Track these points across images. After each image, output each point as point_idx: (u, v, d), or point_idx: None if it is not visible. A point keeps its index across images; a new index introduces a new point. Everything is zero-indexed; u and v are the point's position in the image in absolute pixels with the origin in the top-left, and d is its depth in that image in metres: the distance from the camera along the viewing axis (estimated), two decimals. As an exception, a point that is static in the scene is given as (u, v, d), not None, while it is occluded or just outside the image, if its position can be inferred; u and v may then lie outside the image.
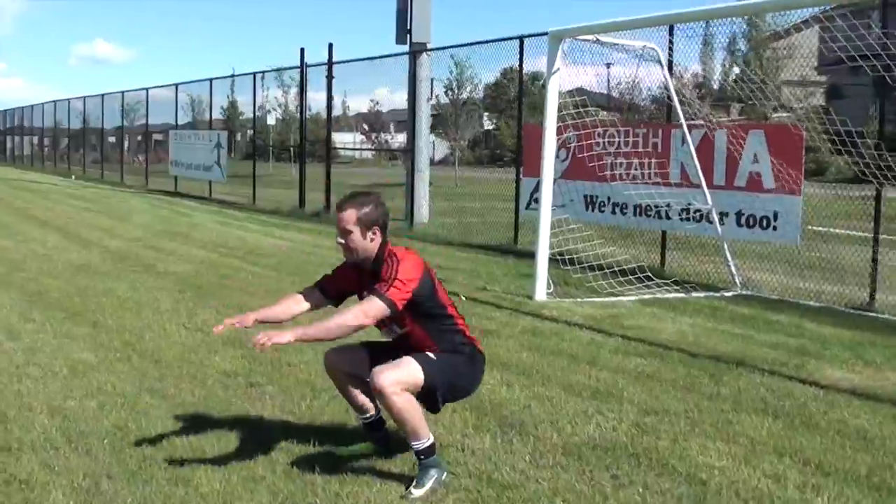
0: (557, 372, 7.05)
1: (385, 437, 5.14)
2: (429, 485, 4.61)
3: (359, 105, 56.79)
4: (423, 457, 4.66)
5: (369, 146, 56.36)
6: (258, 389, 6.41)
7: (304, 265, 12.64)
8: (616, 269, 11.45)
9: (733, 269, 11.33)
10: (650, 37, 11.68)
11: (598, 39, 10.74)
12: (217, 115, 33.96)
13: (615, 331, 8.70)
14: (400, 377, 4.53)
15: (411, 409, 4.59)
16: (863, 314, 9.68)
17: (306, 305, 5.00)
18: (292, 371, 6.89)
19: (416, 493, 4.58)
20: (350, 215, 4.69)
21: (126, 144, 40.77)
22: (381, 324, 4.78)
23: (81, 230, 16.81)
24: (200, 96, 34.79)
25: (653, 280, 11.25)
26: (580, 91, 12.60)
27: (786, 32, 16.91)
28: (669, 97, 11.72)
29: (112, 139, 42.57)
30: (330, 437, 5.36)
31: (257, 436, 5.36)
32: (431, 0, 19.33)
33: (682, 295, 10.79)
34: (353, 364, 4.96)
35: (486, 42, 16.88)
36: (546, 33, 10.92)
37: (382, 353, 4.83)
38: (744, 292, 11.01)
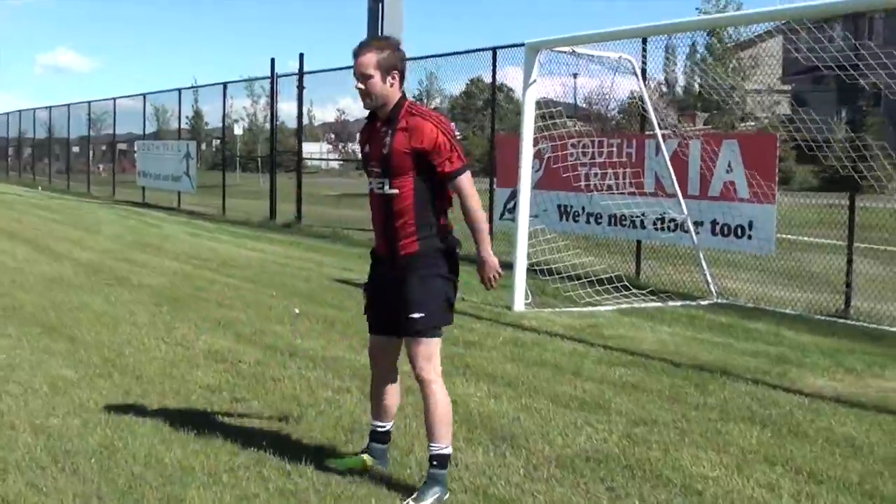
0: (543, 383, 7.05)
1: (385, 453, 5.10)
2: (429, 500, 4.57)
3: (324, 115, 56.69)
4: (436, 463, 4.64)
5: (336, 156, 56.20)
6: (244, 405, 6.35)
7: (279, 276, 12.58)
8: (592, 278, 11.48)
9: (709, 277, 11.40)
10: (624, 48, 11.78)
11: (574, 51, 10.80)
12: (182, 124, 33.71)
13: (596, 341, 8.72)
14: (431, 362, 4.66)
15: (447, 410, 4.67)
16: (838, 321, 9.76)
17: None
18: (277, 386, 6.83)
19: None
20: (370, 59, 4.62)
21: (90, 154, 40.38)
22: (373, 174, 4.74)
23: (51, 242, 16.60)
24: (165, 106, 34.63)
25: (629, 289, 11.29)
26: (548, 102, 12.65)
27: (754, 40, 17.07)
28: (644, 108, 11.77)
29: (76, 149, 42.14)
30: (320, 452, 5.30)
31: (247, 453, 5.29)
32: (403, 12, 19.28)
33: (658, 304, 10.84)
34: (389, 348, 4.96)
35: (459, 53, 16.90)
36: (522, 44, 10.97)
37: (386, 310, 4.80)
38: (719, 301, 11.08)
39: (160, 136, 33.47)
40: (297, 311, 9.86)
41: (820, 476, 5.06)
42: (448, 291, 4.74)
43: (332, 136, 59.76)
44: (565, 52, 10.89)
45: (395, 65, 4.65)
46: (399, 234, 4.67)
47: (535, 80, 10.52)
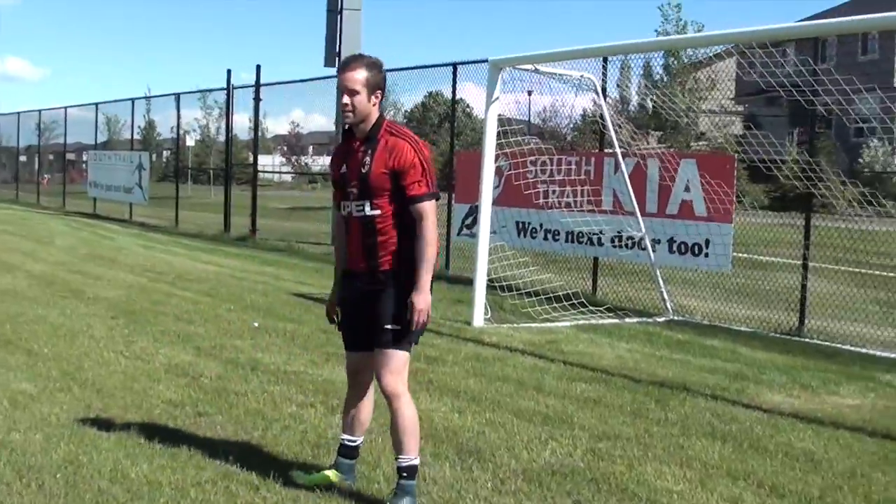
0: (506, 398, 7.10)
1: (353, 468, 5.08)
2: None
3: (275, 127, 56.50)
4: (405, 475, 4.66)
5: (289, 169, 56.02)
6: (208, 419, 6.31)
7: (236, 290, 12.51)
8: (550, 295, 11.56)
9: (665, 295, 11.52)
10: (583, 67, 11.90)
11: (536, 69, 10.88)
12: (134, 135, 33.42)
13: (556, 356, 8.79)
14: (399, 375, 4.64)
15: (415, 422, 4.68)
16: (793, 339, 9.92)
17: None
18: (240, 400, 6.81)
19: None
20: (359, 75, 4.63)
21: (38, 164, 39.87)
22: (351, 195, 4.71)
23: (2, 254, 16.32)
24: (116, 116, 34.30)
25: (586, 306, 11.38)
26: (508, 120, 12.71)
27: (711, 59, 17.35)
28: (604, 125, 11.89)
29: (24, 158, 41.57)
30: (288, 467, 5.28)
31: (213, 467, 5.26)
32: (362, 23, 19.36)
33: (615, 321, 10.95)
34: (366, 364, 4.88)
35: (420, 67, 16.93)
36: (483, 60, 11.06)
37: (363, 326, 4.76)
38: (675, 318, 11.20)
39: (110, 147, 33.12)
40: (256, 324, 9.86)
41: (781, 490, 5.15)
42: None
43: (286, 148, 59.61)
44: (528, 70, 10.98)
45: (380, 84, 4.69)
46: (380, 251, 4.67)
47: (497, 97, 10.60)
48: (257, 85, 21.64)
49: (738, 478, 5.36)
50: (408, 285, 4.63)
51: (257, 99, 21.68)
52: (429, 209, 4.63)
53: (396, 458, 4.72)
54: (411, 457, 4.67)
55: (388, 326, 4.62)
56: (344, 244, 4.90)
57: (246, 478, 5.11)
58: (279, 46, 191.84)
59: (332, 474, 5.03)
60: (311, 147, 65.28)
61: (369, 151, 4.67)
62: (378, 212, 4.66)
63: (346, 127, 4.80)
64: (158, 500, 4.80)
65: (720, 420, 6.61)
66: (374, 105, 4.68)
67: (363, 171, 4.67)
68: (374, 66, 4.68)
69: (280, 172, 51.85)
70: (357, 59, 4.69)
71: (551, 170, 12.55)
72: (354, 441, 5.04)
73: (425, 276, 4.59)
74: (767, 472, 5.46)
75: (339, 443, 5.13)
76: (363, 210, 4.69)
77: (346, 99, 4.64)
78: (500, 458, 5.61)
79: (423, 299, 4.56)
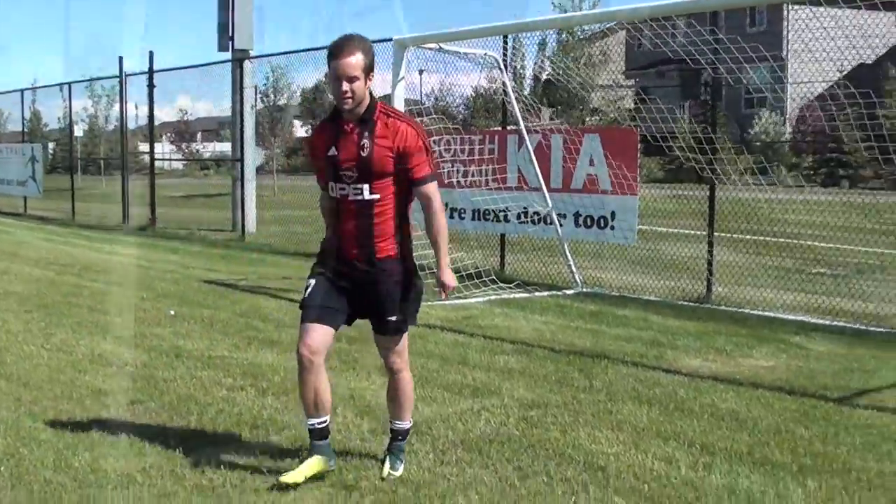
0: (433, 373, 7.23)
1: (330, 447, 4.95)
2: (402, 466, 5.00)
3: (160, 115, 55.46)
4: (401, 438, 5.03)
5: (180, 156, 55.17)
6: (141, 406, 6.30)
7: (145, 279, 12.37)
8: (462, 273, 11.67)
9: (574, 267, 11.77)
10: (486, 45, 12.06)
11: (441, 48, 11.00)
12: (18, 127, 32.46)
13: (475, 331, 8.95)
14: (403, 354, 4.96)
15: (412, 391, 5.01)
16: (701, 306, 10.26)
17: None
18: (169, 387, 6.80)
19: (396, 473, 4.95)
20: (359, 60, 4.50)
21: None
22: (346, 178, 4.67)
23: None
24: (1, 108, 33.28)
25: (496, 282, 11.56)
26: (407, 100, 12.75)
27: (605, 33, 17.69)
28: (508, 102, 12.05)
29: None
30: (229, 448, 5.33)
31: (155, 452, 5.29)
32: (253, 8, 19.24)
33: (526, 295, 11.15)
34: (328, 343, 4.82)
35: (314, 49, 16.87)
36: (389, 39, 11.14)
37: (336, 309, 4.79)
38: (585, 290, 11.46)
39: (-5, 139, 32.13)
40: (172, 312, 9.80)
41: (712, 448, 5.41)
42: (421, 292, 4.98)
43: (174, 135, 58.66)
44: (433, 49, 11.08)
45: (373, 65, 4.61)
46: (377, 238, 4.69)
47: (403, 77, 10.70)
48: (151, 71, 21.21)
49: (669, 438, 5.60)
50: (406, 272, 4.80)
51: (151, 86, 21.24)
52: (433, 189, 4.72)
53: (392, 423, 5.04)
54: (407, 422, 5.06)
55: (394, 318, 4.79)
56: (335, 229, 4.87)
57: (190, 461, 5.14)
58: (165, 32, 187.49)
59: (318, 462, 4.84)
60: (199, 133, 64.36)
61: (366, 133, 4.62)
62: (377, 196, 4.65)
63: (333, 108, 4.76)
64: (107, 486, 4.81)
65: (644, 385, 6.87)
66: (368, 88, 4.60)
67: (363, 154, 4.61)
68: (369, 48, 4.58)
69: (178, 160, 51.07)
70: (351, 43, 4.53)
71: (455, 149, 12.68)
72: (324, 421, 4.86)
73: (447, 257, 4.82)
74: (696, 432, 5.71)
75: (308, 429, 4.90)
76: (361, 194, 4.66)
77: (345, 86, 4.50)
78: (437, 430, 5.75)
79: (452, 277, 4.86)
